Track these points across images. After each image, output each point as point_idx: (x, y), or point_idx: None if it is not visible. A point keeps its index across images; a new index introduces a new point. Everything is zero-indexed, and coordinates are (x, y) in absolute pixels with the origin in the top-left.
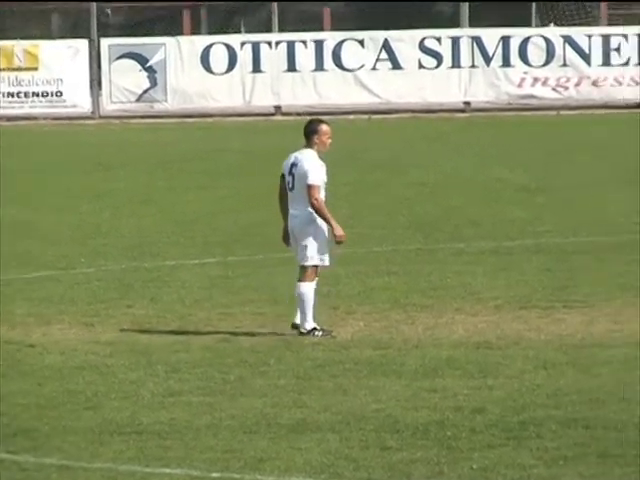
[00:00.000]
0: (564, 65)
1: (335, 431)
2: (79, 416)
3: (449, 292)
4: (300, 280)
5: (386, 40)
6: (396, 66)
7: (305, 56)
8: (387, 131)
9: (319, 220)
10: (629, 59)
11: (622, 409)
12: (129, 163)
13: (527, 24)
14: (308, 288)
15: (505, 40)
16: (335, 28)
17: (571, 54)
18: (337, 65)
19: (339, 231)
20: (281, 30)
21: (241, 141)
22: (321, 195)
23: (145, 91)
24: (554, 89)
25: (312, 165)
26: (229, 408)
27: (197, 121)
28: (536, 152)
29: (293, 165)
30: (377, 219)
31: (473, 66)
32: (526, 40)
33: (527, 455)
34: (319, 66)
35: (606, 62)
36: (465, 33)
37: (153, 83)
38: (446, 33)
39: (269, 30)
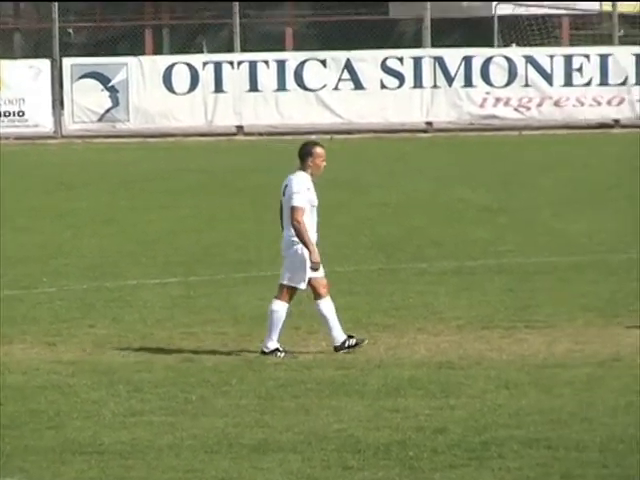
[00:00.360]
0: (526, 85)
1: (297, 451)
2: (41, 436)
3: (411, 312)
4: (275, 297)
5: (348, 60)
6: (358, 86)
7: (267, 76)
8: (349, 151)
9: (299, 245)
10: (591, 79)
11: (584, 429)
12: (91, 183)
13: (489, 44)
14: (280, 306)
15: (467, 60)
16: (297, 48)
17: (533, 74)
18: (299, 85)
19: (315, 257)
20: (243, 50)
21: (203, 161)
22: (308, 218)
23: (107, 111)
24: (516, 109)
25: (298, 187)
26: (191, 428)
27: (159, 141)
28: (498, 172)
29: (285, 187)
30: (339, 239)
31: (435, 86)
32: (488, 60)
33: (489, 475)
34: (281, 86)
35: (568, 82)
36: (427, 53)
37: (115, 103)
38: (408, 53)
39: (231, 50)
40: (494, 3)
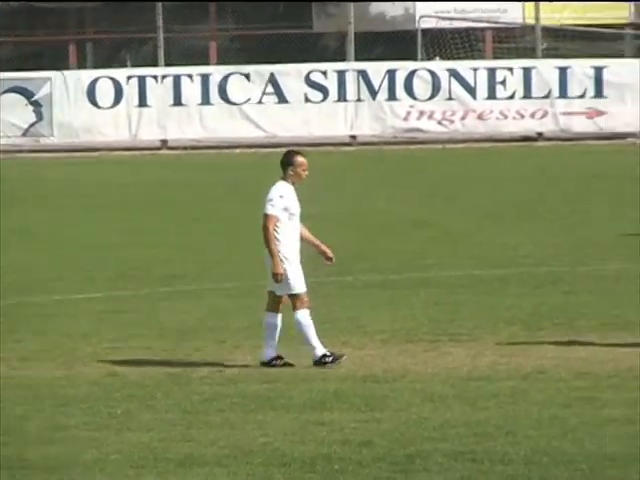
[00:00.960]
0: (450, 99)
1: (222, 465)
2: None
3: (336, 325)
4: (294, 309)
5: (272, 74)
6: (282, 100)
7: (191, 90)
8: (273, 165)
9: (283, 254)
10: (514, 92)
11: (508, 442)
12: (16, 198)
13: (413, 58)
14: (302, 314)
15: (391, 74)
16: (221, 62)
17: (457, 87)
18: (223, 99)
19: (278, 269)
20: (167, 64)
21: (127, 175)
22: (286, 227)
23: (31, 125)
24: (440, 122)
25: (271, 195)
26: (116, 443)
27: (83, 155)
28: (422, 186)
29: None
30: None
31: (359, 100)
32: (412, 74)
33: None
34: (205, 100)
35: (491, 95)
36: (351, 67)
37: (39, 117)
38: (332, 67)
39: (155, 64)
40: (417, 17)
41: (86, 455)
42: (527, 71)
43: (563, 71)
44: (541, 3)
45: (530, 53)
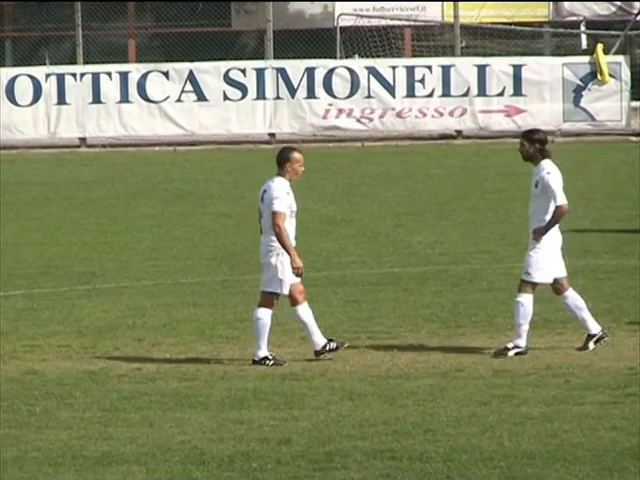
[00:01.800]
0: (369, 96)
1: (141, 463)
2: None
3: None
4: (258, 305)
5: (191, 72)
6: (201, 98)
7: (110, 88)
8: (192, 163)
9: (279, 250)
10: (433, 90)
11: (427, 440)
12: None
13: (332, 55)
14: (264, 314)
15: (310, 71)
16: (140, 60)
17: (375, 85)
18: (142, 97)
19: (297, 262)
20: (86, 62)
21: (46, 173)
22: (288, 224)
23: None
24: (359, 120)
25: (278, 193)
26: (35, 440)
27: (2, 153)
28: (341, 184)
29: (264, 192)
30: (182, 251)
31: (278, 98)
32: (331, 71)
33: None
34: (124, 98)
35: (410, 93)
36: (270, 64)
37: None
38: (251, 65)
39: (74, 62)
40: (336, 15)
41: (5, 453)
42: (446, 69)
43: (482, 69)
44: (460, 2)
45: (449, 51)
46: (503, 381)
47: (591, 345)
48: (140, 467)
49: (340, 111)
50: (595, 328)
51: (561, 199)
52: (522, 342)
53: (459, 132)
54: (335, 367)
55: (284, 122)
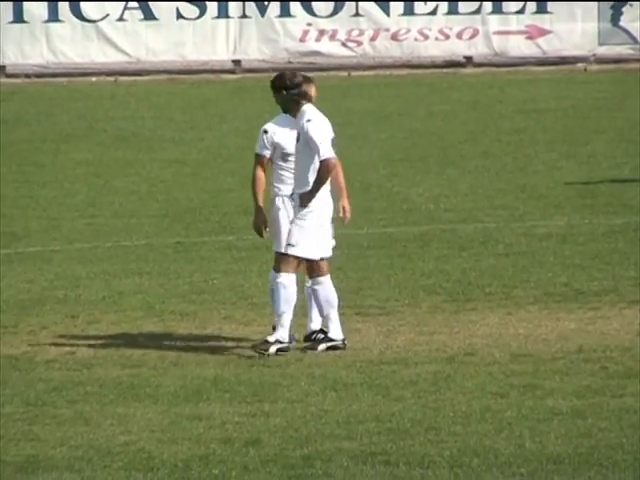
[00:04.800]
0: (356, 14)
1: (74, 469)
2: None
3: (216, 296)
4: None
5: None
6: (149, 16)
7: (35, 4)
8: (137, 97)
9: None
10: (437, 7)
11: (429, 440)
12: None
13: None
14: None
15: None
16: None
17: (365, 2)
18: (75, 15)
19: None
20: None
21: None
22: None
23: None
24: (344, 44)
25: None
26: None
27: None
28: None
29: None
30: (125, 206)
31: (244, 16)
32: None
33: None
34: (53, 16)
35: (408, 11)
36: None
37: None
38: None
39: None
40: None
41: None
42: None
43: None
44: None
45: None
46: (524, 368)
47: (321, 347)
48: (73, 475)
49: (321, 33)
50: (337, 334)
51: (326, 151)
52: (285, 334)
53: (469, 59)
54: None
55: (252, 46)
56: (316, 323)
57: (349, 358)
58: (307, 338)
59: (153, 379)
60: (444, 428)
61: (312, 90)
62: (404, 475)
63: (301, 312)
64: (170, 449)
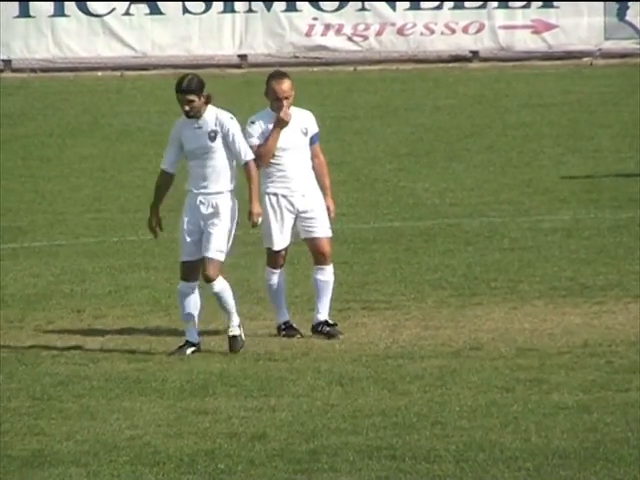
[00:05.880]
0: (362, 9)
1: (80, 464)
2: None
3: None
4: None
5: None
6: (155, 11)
7: None
8: (143, 91)
9: None
10: (442, 2)
11: (435, 435)
12: None
13: None
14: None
15: None
16: None
17: None
18: (81, 10)
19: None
20: None
21: None
22: None
23: None
24: (350, 39)
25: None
26: None
27: None
28: (328, 117)
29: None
30: (131, 201)
31: (250, 10)
32: None
33: None
34: (59, 11)
35: (414, 5)
36: None
37: None
38: None
39: None
40: None
41: None
42: None
43: None
44: None
45: None
46: (529, 362)
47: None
48: (79, 469)
49: (327, 27)
50: (236, 329)
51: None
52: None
53: (475, 53)
54: (321, 344)
55: (258, 41)
56: (323, 314)
57: (355, 352)
58: (314, 329)
59: (159, 373)
60: (450, 422)
61: (280, 86)
62: (410, 469)
63: (307, 306)
64: (176, 443)
